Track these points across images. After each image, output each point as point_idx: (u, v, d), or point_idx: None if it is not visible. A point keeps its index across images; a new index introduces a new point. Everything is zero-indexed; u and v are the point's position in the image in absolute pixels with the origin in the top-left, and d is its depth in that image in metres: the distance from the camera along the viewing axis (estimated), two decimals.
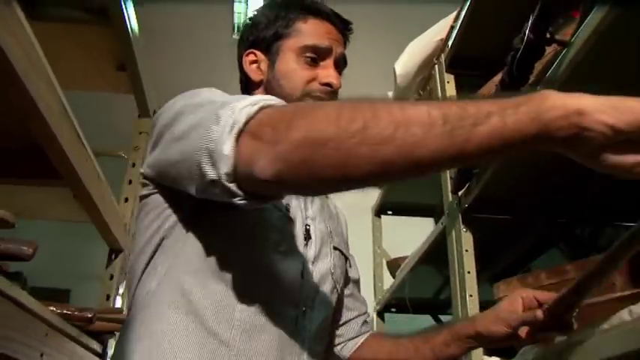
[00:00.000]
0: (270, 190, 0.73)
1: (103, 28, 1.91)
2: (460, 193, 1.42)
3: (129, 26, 1.91)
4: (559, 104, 0.56)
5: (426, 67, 1.67)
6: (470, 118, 0.59)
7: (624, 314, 0.80)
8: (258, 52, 1.13)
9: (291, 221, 0.99)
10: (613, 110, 0.54)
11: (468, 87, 1.53)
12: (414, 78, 1.73)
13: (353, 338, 1.20)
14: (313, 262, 1.01)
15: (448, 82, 1.58)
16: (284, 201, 0.99)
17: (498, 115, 0.58)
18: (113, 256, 2.11)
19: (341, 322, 1.20)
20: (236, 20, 3.64)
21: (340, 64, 1.12)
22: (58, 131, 1.34)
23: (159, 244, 0.94)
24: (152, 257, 0.94)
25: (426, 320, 2.38)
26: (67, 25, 1.91)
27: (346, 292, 1.20)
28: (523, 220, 1.45)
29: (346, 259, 1.16)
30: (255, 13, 1.19)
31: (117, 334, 1.98)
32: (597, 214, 1.39)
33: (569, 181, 1.30)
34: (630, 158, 0.57)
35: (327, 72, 1.08)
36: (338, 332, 1.19)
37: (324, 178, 0.66)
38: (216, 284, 0.89)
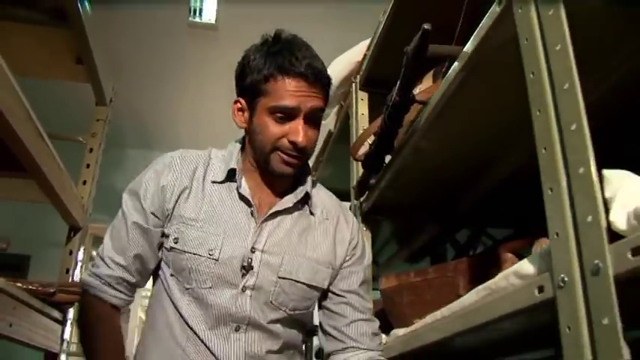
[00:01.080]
0: None
1: (63, 30, 2.10)
2: (361, 199, 1.72)
3: (85, 27, 2.10)
4: None
5: (345, 82, 1.93)
6: None
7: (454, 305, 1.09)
8: (243, 102, 1.26)
9: (216, 262, 1.19)
10: None
11: (378, 104, 1.79)
12: (335, 91, 2.01)
13: (362, 349, 1.28)
14: (252, 290, 1.20)
15: (362, 99, 1.86)
16: (213, 243, 1.20)
17: None
18: (72, 234, 2.30)
19: (335, 331, 1.30)
20: (192, 3, 3.80)
21: (313, 118, 1.21)
22: (23, 135, 1.53)
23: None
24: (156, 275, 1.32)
25: None
26: (30, 25, 2.09)
27: (333, 302, 1.31)
28: (412, 223, 1.77)
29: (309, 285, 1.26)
30: (245, 56, 1.26)
31: (76, 304, 2.22)
32: (473, 222, 1.70)
33: (450, 194, 1.60)
34: None
35: (295, 130, 1.17)
36: (339, 338, 1.29)
37: None
38: (178, 309, 1.21)
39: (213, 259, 1.19)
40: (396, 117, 1.21)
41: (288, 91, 1.17)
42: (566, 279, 0.66)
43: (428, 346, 1.13)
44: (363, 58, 1.84)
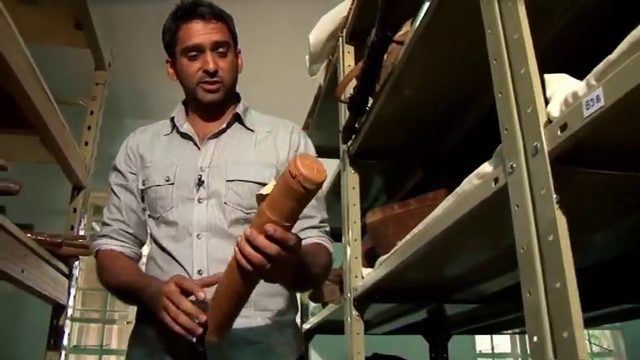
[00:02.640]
0: None
1: None
2: (349, 143, 1.82)
3: None
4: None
5: (333, 38, 2.02)
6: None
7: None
8: (170, 60, 1.53)
9: (173, 185, 1.42)
10: None
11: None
12: (323, 46, 2.10)
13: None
14: (208, 199, 1.39)
15: (348, 52, 1.96)
16: (169, 172, 1.44)
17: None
18: (76, 193, 2.41)
19: None
20: None
21: (218, 50, 1.44)
22: (30, 90, 1.62)
23: None
24: None
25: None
26: None
27: None
28: (398, 166, 1.88)
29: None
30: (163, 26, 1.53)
31: (81, 258, 2.32)
32: (457, 164, 1.80)
33: (432, 134, 1.71)
34: None
35: (204, 61, 1.43)
36: None
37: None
38: (156, 240, 1.45)
39: (170, 183, 1.43)
40: (375, 57, 1.31)
41: (190, 33, 1.43)
42: (514, 165, 0.77)
43: (407, 264, 1.24)
44: (349, 13, 1.94)
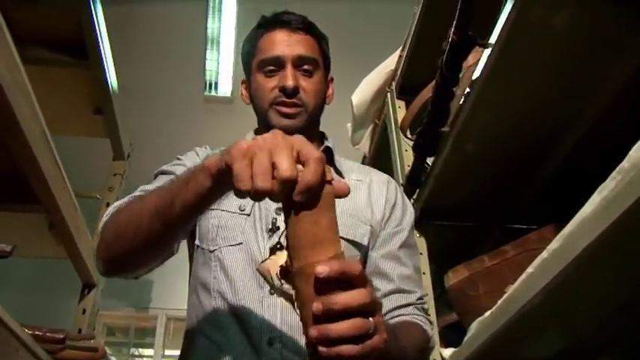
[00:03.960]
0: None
1: (82, 70, 2.02)
2: (412, 198, 1.55)
3: (107, 70, 2.03)
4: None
5: (379, 96, 1.83)
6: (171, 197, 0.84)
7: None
8: (246, 80, 1.30)
9: (248, 217, 1.13)
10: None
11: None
12: (368, 107, 1.89)
13: (395, 317, 1.11)
14: (278, 249, 1.06)
15: (399, 107, 1.74)
16: (242, 201, 1.13)
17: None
18: (86, 291, 2.11)
19: None
20: (207, 77, 3.82)
21: (303, 67, 1.20)
22: (40, 157, 1.41)
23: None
24: None
25: None
26: (47, 68, 2.00)
27: (369, 270, 1.14)
28: (471, 225, 1.57)
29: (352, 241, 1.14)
30: None
31: None
32: (532, 218, 1.51)
33: (507, 188, 1.43)
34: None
35: (283, 76, 1.18)
36: None
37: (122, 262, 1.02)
38: (206, 287, 1.11)
39: (245, 214, 1.13)
40: (453, 65, 1.08)
41: (272, 42, 1.21)
42: None
43: (524, 315, 0.91)
44: (397, 63, 1.75)
